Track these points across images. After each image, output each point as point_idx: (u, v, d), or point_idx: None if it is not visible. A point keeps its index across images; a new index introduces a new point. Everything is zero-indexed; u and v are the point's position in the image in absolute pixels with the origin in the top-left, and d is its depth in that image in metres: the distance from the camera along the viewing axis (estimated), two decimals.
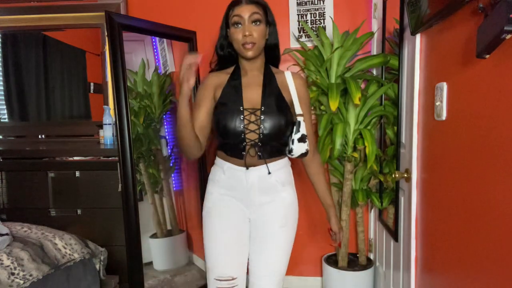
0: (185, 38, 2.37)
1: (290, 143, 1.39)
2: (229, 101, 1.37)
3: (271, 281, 1.42)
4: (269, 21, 1.39)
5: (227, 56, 1.45)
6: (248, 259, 1.46)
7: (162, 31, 2.23)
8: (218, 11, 2.44)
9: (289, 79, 1.43)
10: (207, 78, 1.44)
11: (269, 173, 1.38)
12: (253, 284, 1.45)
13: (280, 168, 1.42)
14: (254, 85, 1.40)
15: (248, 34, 1.31)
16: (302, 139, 1.38)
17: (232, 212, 1.42)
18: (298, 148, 1.39)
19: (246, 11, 1.32)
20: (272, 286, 1.43)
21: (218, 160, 1.46)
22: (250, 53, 1.34)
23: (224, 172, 1.41)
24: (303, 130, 1.38)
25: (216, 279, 1.40)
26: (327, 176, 2.39)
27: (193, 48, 2.40)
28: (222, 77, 1.43)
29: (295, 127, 1.39)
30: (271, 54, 1.46)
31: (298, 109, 1.41)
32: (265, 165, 1.37)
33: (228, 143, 1.39)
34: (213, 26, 2.46)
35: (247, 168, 1.37)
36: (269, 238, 1.42)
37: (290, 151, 1.40)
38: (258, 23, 1.33)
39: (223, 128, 1.35)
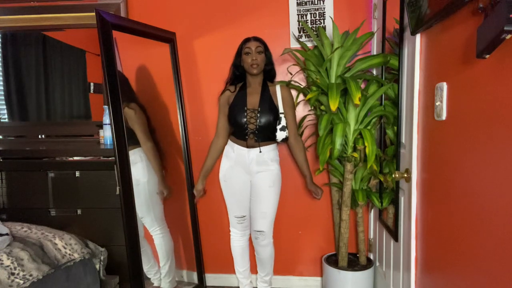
0: (166, 38, 2.37)
1: (276, 131, 2.07)
2: (238, 103, 2.11)
3: (264, 221, 2.15)
4: (267, 54, 2.10)
5: (238, 75, 2.16)
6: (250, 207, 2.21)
7: (144, 30, 2.21)
8: (206, 11, 2.46)
9: (278, 90, 2.12)
10: (224, 94, 2.18)
11: (260, 151, 2.09)
12: (253, 225, 2.19)
13: (270, 150, 2.13)
14: (255, 93, 2.11)
15: (255, 59, 2.04)
16: (282, 129, 2.07)
17: (239, 177, 2.16)
18: (280, 135, 2.07)
19: (253, 45, 2.06)
20: (265, 224, 2.15)
21: (229, 143, 2.19)
22: (255, 71, 2.06)
23: (233, 151, 2.15)
24: (283, 123, 2.07)
25: (235, 217, 2.22)
26: (327, 176, 2.40)
27: (174, 49, 2.39)
28: (233, 90, 2.16)
29: (278, 121, 2.07)
30: (269, 73, 2.16)
31: (281, 109, 2.10)
32: (260, 147, 2.09)
33: (237, 131, 2.12)
34: (210, 26, 2.48)
35: (248, 148, 2.09)
36: (262, 194, 2.13)
37: (275, 136, 2.07)
38: (260, 53, 2.06)
39: (233, 121, 2.10)
